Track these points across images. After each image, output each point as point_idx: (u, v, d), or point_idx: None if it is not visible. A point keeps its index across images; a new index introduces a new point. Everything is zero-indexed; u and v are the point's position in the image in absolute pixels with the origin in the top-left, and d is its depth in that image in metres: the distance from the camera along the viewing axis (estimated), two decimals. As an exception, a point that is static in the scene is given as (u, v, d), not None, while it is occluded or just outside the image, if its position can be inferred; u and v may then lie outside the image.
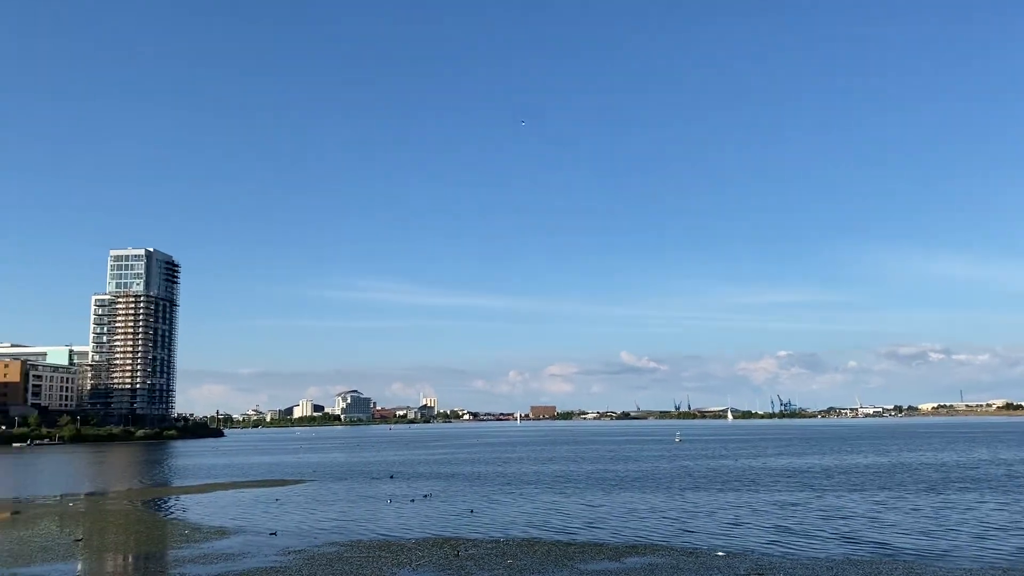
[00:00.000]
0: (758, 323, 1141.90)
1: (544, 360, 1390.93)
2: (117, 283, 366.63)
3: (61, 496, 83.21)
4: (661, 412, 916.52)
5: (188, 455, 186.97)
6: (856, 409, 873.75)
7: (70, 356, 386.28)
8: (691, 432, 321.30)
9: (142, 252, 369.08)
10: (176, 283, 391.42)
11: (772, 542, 46.51)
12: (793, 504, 65.32)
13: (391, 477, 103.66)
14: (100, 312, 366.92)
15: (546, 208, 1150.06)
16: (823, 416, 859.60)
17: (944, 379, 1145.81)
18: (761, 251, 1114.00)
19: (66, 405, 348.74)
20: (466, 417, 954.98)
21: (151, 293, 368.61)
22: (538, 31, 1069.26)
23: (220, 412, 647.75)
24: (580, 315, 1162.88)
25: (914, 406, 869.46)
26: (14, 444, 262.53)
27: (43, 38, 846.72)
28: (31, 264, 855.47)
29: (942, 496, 69.73)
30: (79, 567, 42.36)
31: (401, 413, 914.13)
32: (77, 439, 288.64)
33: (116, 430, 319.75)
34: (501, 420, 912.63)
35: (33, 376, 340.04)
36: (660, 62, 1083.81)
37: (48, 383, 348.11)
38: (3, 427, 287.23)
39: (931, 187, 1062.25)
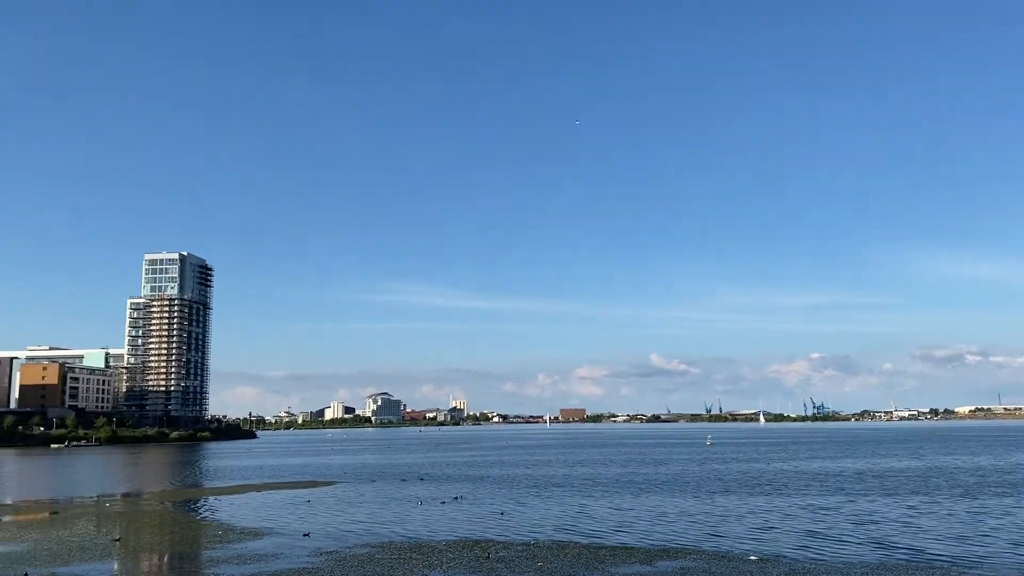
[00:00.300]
0: (790, 325, 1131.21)
1: (573, 363, 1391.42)
2: (152, 287, 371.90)
3: (98, 497, 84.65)
4: (692, 415, 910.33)
5: (221, 456, 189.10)
6: (891, 412, 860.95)
7: (106, 359, 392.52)
8: (722, 435, 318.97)
9: (176, 256, 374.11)
10: (209, 286, 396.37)
11: (804, 547, 46.11)
12: (825, 508, 64.68)
13: (421, 479, 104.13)
14: (135, 315, 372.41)
15: (576, 211, 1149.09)
16: (857, 419, 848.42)
17: (981, 381, 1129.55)
18: (794, 253, 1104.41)
19: (102, 407, 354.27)
20: (495, 420, 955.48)
21: (185, 296, 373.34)
22: (575, 36, 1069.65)
23: (253, 414, 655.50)
24: (609, 318, 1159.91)
25: (950, 409, 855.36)
26: (52, 445, 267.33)
27: (82, 43, 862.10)
28: (68, 269, 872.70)
29: (978, 501, 68.65)
30: (116, 567, 43.08)
31: (431, 415, 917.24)
32: (113, 440, 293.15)
33: (151, 432, 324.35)
34: (530, 423, 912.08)
35: (71, 379, 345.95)
36: (694, 63, 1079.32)
37: (85, 385, 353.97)
38: (42, 428, 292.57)
39: (967, 187, 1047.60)
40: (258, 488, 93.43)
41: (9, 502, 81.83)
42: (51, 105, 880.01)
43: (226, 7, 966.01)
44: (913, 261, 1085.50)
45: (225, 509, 71.19)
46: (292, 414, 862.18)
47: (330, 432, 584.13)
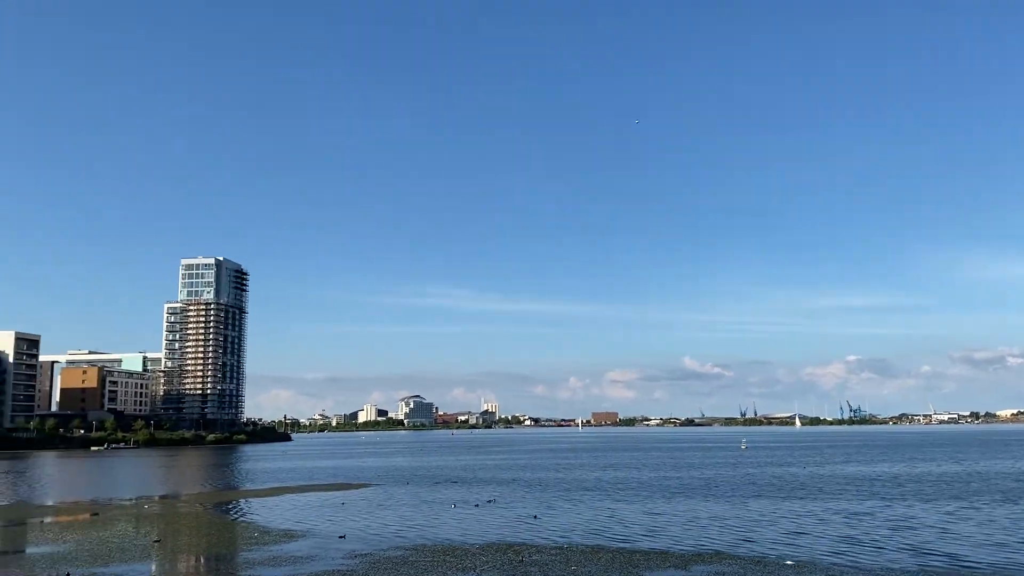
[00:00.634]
0: (826, 328, 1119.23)
1: (605, 366, 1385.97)
2: (188, 291, 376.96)
3: (136, 498, 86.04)
4: (726, 419, 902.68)
5: (256, 459, 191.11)
6: (930, 415, 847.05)
7: (144, 362, 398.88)
8: (757, 439, 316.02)
9: (212, 261, 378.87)
10: (245, 291, 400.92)
11: (839, 552, 45.57)
12: (861, 513, 63.84)
13: (454, 482, 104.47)
14: (172, 320, 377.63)
15: (610, 213, 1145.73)
16: (895, 423, 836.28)
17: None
18: (828, 255, 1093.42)
19: (140, 410, 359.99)
20: (527, 423, 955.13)
21: (221, 301, 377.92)
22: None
23: (287, 416, 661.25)
24: (642, 320, 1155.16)
25: (991, 412, 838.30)
26: (92, 448, 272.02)
27: (127, 40, 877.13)
28: (107, 275, 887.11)
29: (1020, 507, 67.37)
30: (154, 568, 43.80)
31: (463, 418, 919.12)
32: (151, 443, 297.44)
33: (188, 434, 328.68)
34: (562, 426, 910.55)
35: (110, 382, 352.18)
36: (722, 65, 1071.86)
37: (123, 389, 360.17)
38: (82, 431, 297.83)
39: (1010, 188, 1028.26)
40: (293, 490, 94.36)
41: (51, 503, 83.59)
42: (90, 111, 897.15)
43: (271, 9, 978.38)
44: (953, 262, 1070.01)
45: (261, 511, 71.99)
46: (326, 416, 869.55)
47: (363, 435, 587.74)
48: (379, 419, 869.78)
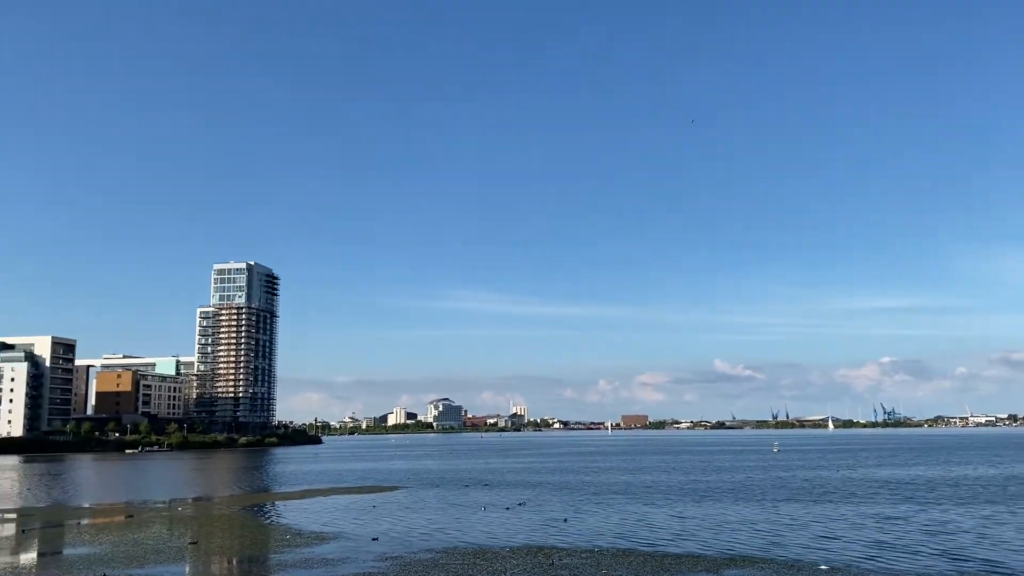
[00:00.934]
0: (859, 329, 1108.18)
1: (635, 369, 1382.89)
2: (220, 296, 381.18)
3: (170, 501, 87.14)
4: (758, 421, 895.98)
5: (288, 461, 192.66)
6: (966, 418, 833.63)
7: (177, 366, 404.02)
8: (789, 442, 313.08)
9: (244, 266, 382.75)
10: (276, 295, 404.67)
11: (872, 557, 45.00)
12: (895, 518, 62.99)
13: (484, 485, 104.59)
14: (205, 324, 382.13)
15: (639, 216, 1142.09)
16: (930, 425, 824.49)
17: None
18: (862, 256, 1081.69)
19: (174, 413, 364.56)
20: (556, 426, 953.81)
21: (252, 305, 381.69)
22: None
23: (318, 419, 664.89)
24: (671, 323, 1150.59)
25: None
26: (127, 451, 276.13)
27: (159, 47, 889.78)
28: (141, 280, 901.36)
29: (1059, 511, 66.19)
30: (188, 569, 44.36)
31: (492, 421, 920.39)
32: (184, 446, 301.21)
33: (220, 437, 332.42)
34: (591, 429, 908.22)
35: (143, 386, 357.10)
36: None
37: (157, 392, 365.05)
38: (117, 434, 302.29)
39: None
40: (324, 493, 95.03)
41: (87, 505, 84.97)
42: (123, 118, 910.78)
43: (306, 26, 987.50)
44: (989, 262, 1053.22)
45: (293, 513, 72.58)
46: (356, 419, 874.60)
47: (393, 438, 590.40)
48: (408, 422, 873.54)
